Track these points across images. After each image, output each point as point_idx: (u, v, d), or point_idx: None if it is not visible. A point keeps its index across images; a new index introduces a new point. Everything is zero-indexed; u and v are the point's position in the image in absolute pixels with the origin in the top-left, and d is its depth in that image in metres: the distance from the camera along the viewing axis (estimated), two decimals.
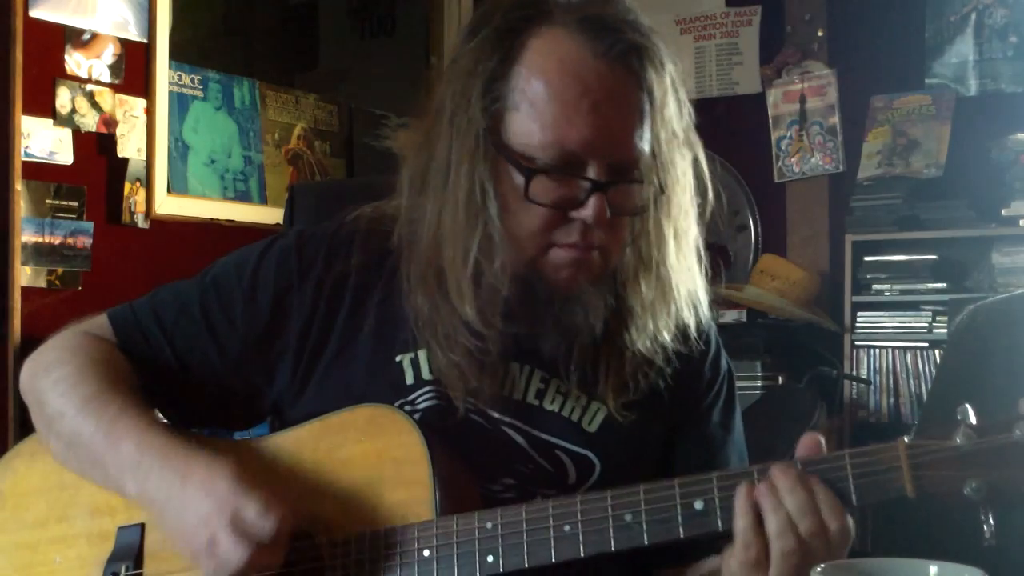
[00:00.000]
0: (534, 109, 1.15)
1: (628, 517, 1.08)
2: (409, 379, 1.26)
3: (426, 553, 1.12)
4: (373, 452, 1.18)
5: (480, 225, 1.17)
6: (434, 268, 1.22)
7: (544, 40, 1.16)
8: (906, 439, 1.03)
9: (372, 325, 1.28)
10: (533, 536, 1.10)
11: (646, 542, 1.08)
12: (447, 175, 1.20)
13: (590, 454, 1.26)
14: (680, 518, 1.07)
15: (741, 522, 1.05)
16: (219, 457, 1.17)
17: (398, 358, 1.27)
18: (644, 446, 1.29)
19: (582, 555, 1.09)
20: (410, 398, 1.25)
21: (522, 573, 1.13)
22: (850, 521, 1.04)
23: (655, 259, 1.22)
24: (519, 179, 1.16)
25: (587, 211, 1.15)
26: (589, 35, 1.15)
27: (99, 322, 1.35)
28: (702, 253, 1.27)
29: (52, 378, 1.29)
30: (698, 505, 1.07)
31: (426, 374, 1.26)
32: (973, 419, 1.01)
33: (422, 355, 1.27)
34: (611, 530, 1.09)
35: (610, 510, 1.09)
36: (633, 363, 1.25)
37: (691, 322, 1.27)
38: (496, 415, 1.25)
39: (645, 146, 1.16)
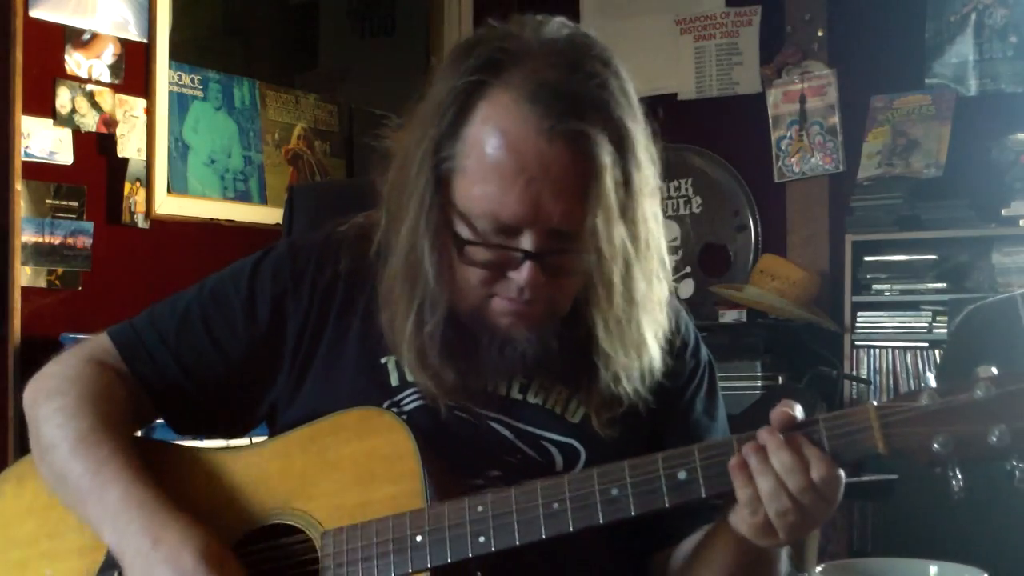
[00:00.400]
0: (475, 177, 1.18)
1: (614, 491, 1.12)
2: (394, 380, 1.30)
3: (418, 538, 1.15)
4: (363, 451, 1.21)
5: (420, 283, 1.22)
6: (391, 301, 1.27)
7: (493, 107, 1.17)
8: (875, 402, 1.10)
9: (358, 327, 1.32)
10: (523, 515, 1.13)
11: (633, 513, 1.12)
12: (400, 221, 1.23)
13: (575, 442, 1.29)
14: (664, 488, 1.11)
15: (743, 493, 1.09)
16: (193, 529, 1.19)
17: (383, 360, 1.31)
18: (628, 435, 1.32)
19: (571, 530, 1.12)
20: (396, 399, 1.29)
21: (522, 567, 1.16)
22: (840, 472, 1.09)
23: (602, 322, 1.24)
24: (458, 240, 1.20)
25: (520, 276, 1.19)
26: (539, 107, 1.15)
27: (101, 343, 1.36)
28: (660, 302, 1.29)
29: (50, 408, 1.30)
30: (681, 475, 1.11)
31: (410, 376, 1.29)
32: (934, 384, 1.08)
33: None
34: (598, 504, 1.12)
35: (596, 485, 1.12)
36: (610, 389, 1.28)
37: (648, 368, 1.28)
38: (483, 411, 1.28)
39: (584, 219, 1.17)
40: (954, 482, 1.06)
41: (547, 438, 1.29)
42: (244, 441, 1.37)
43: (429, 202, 1.20)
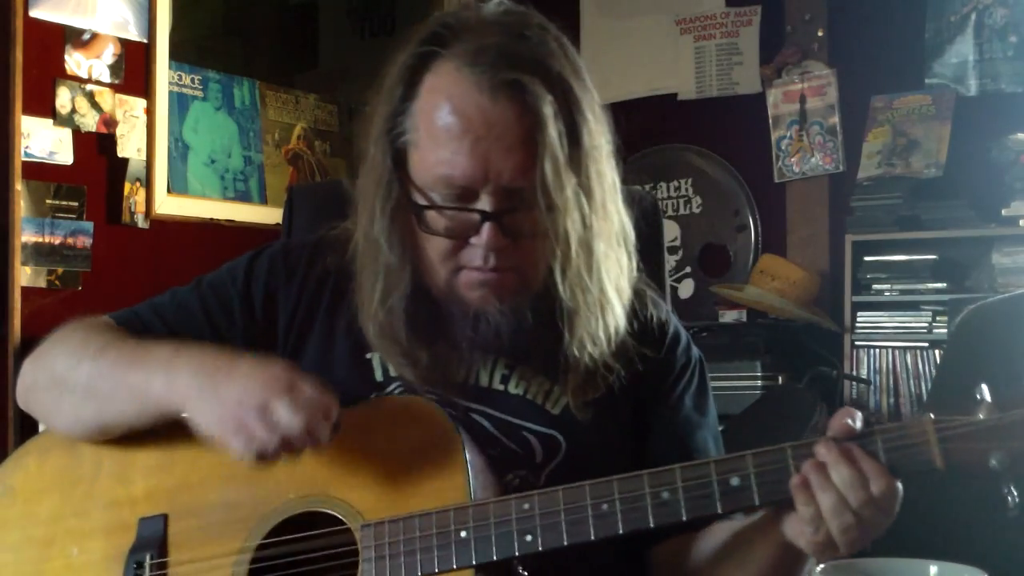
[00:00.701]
0: (427, 145, 1.21)
1: (665, 494, 1.11)
2: (378, 376, 1.32)
3: (463, 534, 1.14)
4: (406, 441, 1.20)
5: (381, 258, 1.24)
6: (360, 282, 1.29)
7: (436, 77, 1.22)
8: (932, 415, 1.07)
9: (345, 324, 1.34)
10: (571, 515, 1.12)
11: (685, 518, 1.11)
12: (363, 207, 1.27)
13: (555, 433, 1.30)
14: (718, 494, 1.10)
15: (806, 511, 1.08)
16: (267, 360, 1.19)
17: (368, 355, 1.33)
18: (611, 429, 1.33)
19: (621, 532, 1.12)
20: (384, 392, 1.30)
21: (528, 558, 1.15)
22: (898, 485, 1.07)
23: (563, 278, 1.25)
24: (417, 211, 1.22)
25: (481, 239, 1.21)
26: (477, 68, 1.19)
27: (100, 319, 1.39)
28: (622, 262, 1.30)
29: (57, 350, 1.31)
30: (734, 481, 1.10)
31: (392, 371, 1.31)
32: (989, 397, 1.06)
33: None
34: (649, 507, 1.11)
35: (647, 488, 1.12)
36: (587, 367, 1.29)
37: (614, 325, 1.29)
38: (463, 403, 1.29)
39: (535, 173, 1.18)
40: (1010, 498, 1.04)
41: (528, 429, 1.29)
42: None
43: (387, 178, 1.24)
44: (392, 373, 1.30)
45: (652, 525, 1.11)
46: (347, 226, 1.38)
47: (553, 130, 1.18)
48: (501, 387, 1.31)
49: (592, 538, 1.12)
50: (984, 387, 1.07)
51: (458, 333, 1.26)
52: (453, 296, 1.25)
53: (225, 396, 1.15)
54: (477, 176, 1.19)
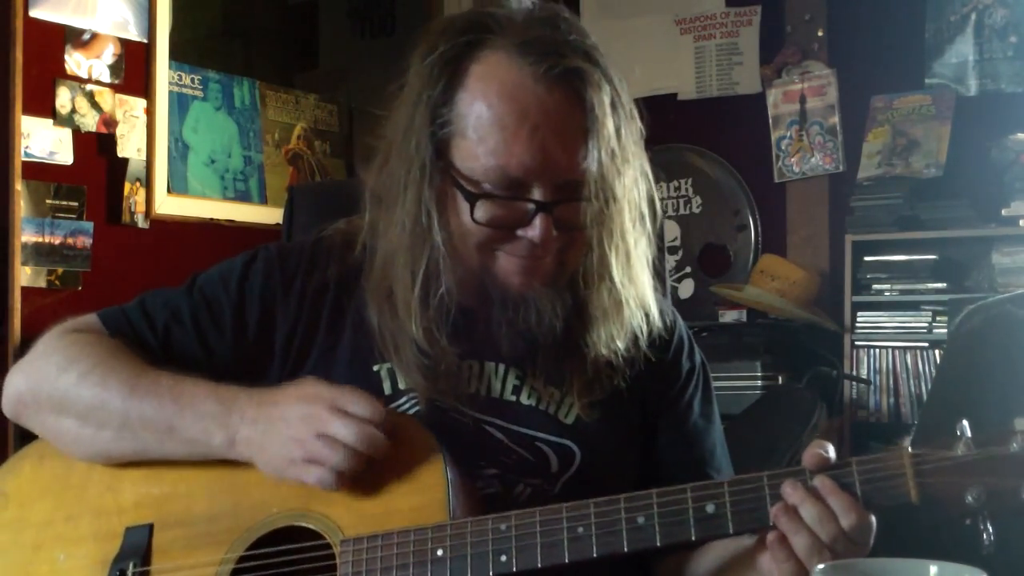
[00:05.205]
0: (477, 135, 1.18)
1: (641, 519, 1.10)
2: (387, 389, 1.30)
3: (439, 553, 1.13)
4: (388, 458, 1.19)
5: (427, 249, 1.22)
6: (386, 285, 1.26)
7: (485, 66, 1.19)
8: (910, 448, 1.07)
9: (349, 335, 1.32)
10: (547, 537, 1.12)
11: (658, 544, 1.10)
12: (398, 197, 1.24)
13: (570, 443, 1.29)
14: (692, 520, 1.09)
15: (785, 568, 1.07)
16: (298, 379, 1.21)
17: (375, 367, 1.30)
18: (622, 435, 1.33)
19: (595, 555, 1.11)
20: (391, 407, 1.28)
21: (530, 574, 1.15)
22: (870, 518, 1.07)
23: (604, 271, 1.24)
24: (466, 202, 1.20)
25: (533, 231, 1.19)
26: (529, 59, 1.17)
27: (88, 321, 1.36)
28: (650, 261, 1.30)
29: (72, 377, 1.28)
30: (710, 509, 1.09)
31: (402, 383, 1.29)
32: (970, 433, 1.06)
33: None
34: (624, 532, 1.10)
35: (623, 513, 1.11)
36: (595, 366, 1.28)
37: (646, 326, 1.30)
38: (476, 414, 1.28)
39: (589, 165, 1.18)
40: (984, 535, 1.04)
41: (541, 439, 1.29)
42: None
43: (431, 168, 1.21)
44: (402, 386, 1.28)
45: (626, 550, 1.10)
46: (340, 227, 1.36)
47: (611, 121, 1.18)
48: (513, 398, 1.30)
49: (566, 560, 1.11)
50: (965, 423, 1.06)
51: (496, 316, 1.24)
52: (491, 282, 1.24)
53: (283, 437, 1.16)
54: (533, 167, 1.17)
